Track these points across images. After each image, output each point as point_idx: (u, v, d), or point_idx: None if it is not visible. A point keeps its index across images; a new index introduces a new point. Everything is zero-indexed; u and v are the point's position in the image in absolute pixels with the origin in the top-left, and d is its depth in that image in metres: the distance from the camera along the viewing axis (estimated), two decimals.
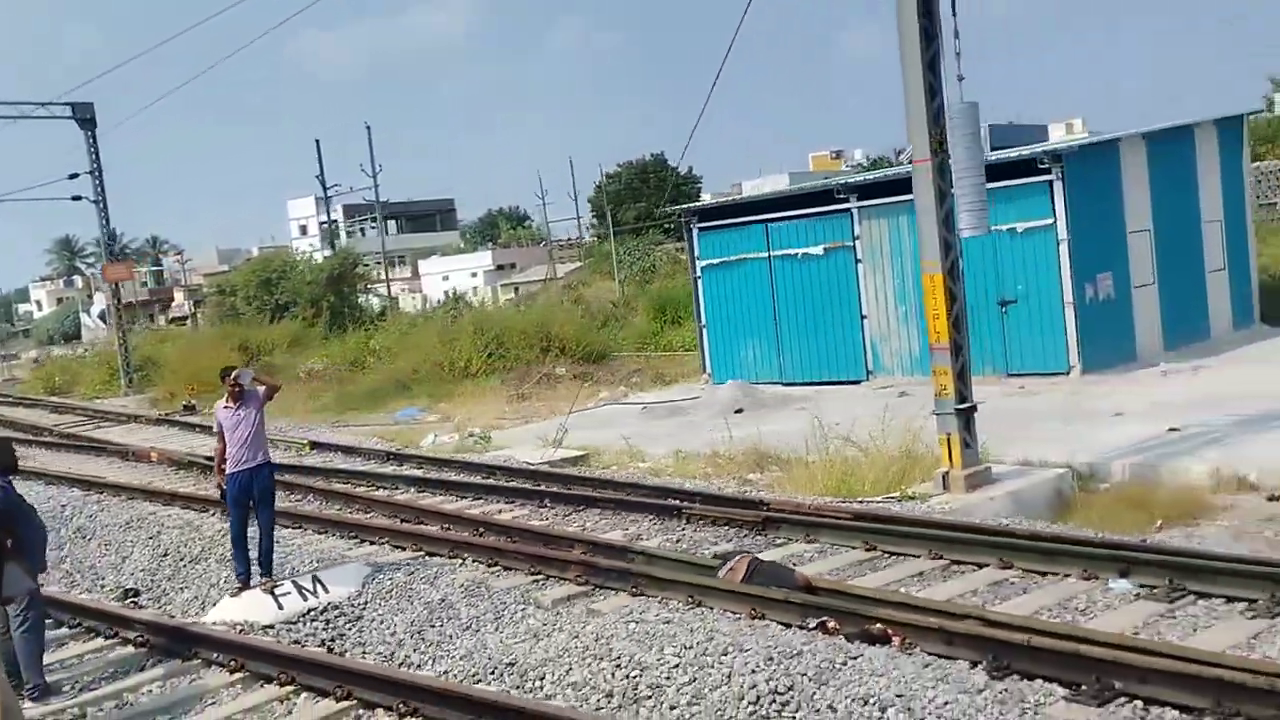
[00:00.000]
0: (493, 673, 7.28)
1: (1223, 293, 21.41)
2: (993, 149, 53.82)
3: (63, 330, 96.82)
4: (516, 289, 61.62)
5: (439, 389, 27.69)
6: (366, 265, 49.55)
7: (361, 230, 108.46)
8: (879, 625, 6.80)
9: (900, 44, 11.01)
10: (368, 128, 66.54)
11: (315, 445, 18.86)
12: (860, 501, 11.09)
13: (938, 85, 10.98)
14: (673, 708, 6.25)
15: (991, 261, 18.82)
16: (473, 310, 38.47)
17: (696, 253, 23.20)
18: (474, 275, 76.21)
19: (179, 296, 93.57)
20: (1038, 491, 11.11)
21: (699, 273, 23.23)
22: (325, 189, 47.16)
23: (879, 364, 20.67)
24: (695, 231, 23.21)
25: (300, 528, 11.93)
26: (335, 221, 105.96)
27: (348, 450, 18.13)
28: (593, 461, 16.18)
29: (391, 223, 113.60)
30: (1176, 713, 5.67)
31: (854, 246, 20.65)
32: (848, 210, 20.72)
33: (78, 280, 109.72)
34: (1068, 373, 18.30)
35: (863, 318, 20.72)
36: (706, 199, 50.97)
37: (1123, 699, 5.84)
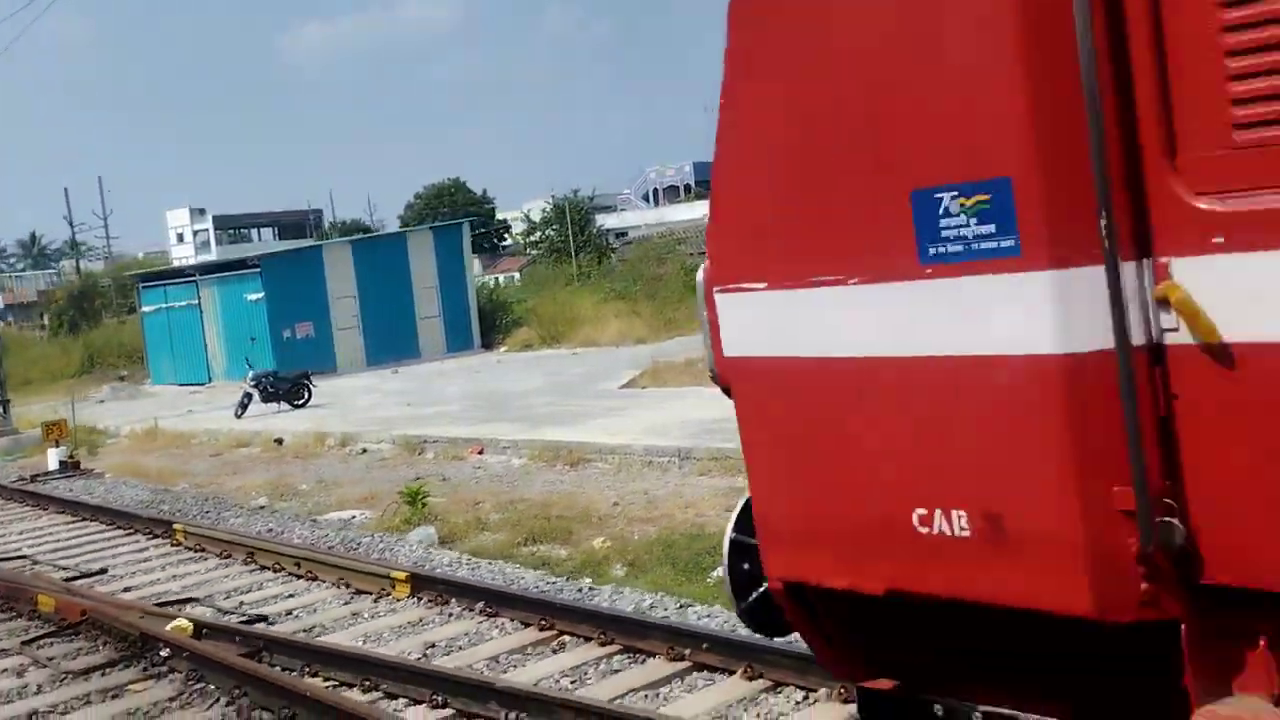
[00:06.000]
0: None
1: (436, 330, 34.91)
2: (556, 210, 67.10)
3: None
4: None
5: (45, 387, 41.29)
6: (106, 286, 63.10)
7: (239, 238, 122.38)
8: None
9: None
10: (99, 179, 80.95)
11: None
12: None
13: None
14: None
15: (247, 316, 32.39)
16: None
17: (141, 302, 36.81)
18: None
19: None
20: (33, 436, 24.56)
21: (142, 315, 36.85)
22: (73, 228, 60.79)
23: (214, 374, 34.23)
24: (140, 288, 36.85)
25: None
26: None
27: None
28: None
29: (267, 230, 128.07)
30: None
31: (199, 304, 34.21)
32: (195, 281, 34.29)
33: None
34: None
35: (206, 346, 34.28)
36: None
37: None
